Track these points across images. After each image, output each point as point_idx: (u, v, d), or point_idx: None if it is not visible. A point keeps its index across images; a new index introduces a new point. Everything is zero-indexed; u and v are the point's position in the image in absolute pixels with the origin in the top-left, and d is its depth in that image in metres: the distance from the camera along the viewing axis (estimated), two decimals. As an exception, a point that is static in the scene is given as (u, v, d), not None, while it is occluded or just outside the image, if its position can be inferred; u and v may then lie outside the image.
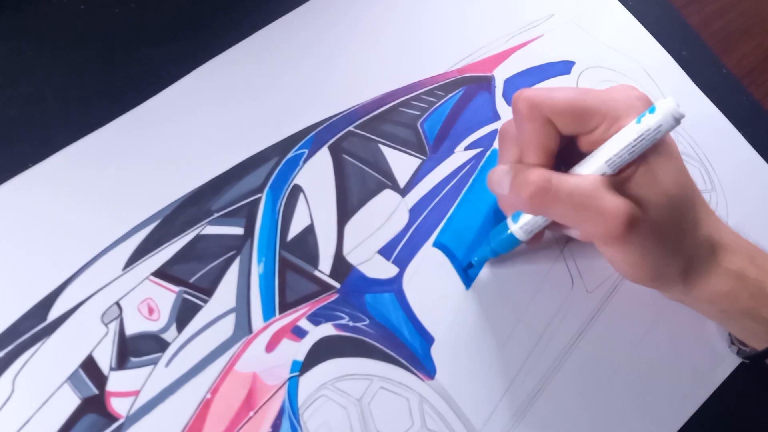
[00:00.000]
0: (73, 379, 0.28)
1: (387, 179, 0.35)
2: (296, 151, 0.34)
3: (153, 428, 0.28)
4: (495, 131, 0.37)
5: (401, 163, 0.35)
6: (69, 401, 0.28)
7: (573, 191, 0.27)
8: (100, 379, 0.29)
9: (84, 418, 0.28)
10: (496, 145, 0.37)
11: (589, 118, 0.28)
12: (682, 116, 0.26)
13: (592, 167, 0.28)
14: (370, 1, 0.39)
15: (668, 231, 0.28)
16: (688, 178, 0.30)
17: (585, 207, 0.27)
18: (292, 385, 0.30)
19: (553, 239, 0.35)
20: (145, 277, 0.31)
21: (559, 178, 0.27)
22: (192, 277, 0.31)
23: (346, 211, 0.34)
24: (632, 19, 0.43)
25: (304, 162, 0.34)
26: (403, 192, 0.35)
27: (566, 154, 0.30)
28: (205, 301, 0.31)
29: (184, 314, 0.30)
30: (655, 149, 0.28)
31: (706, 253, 0.30)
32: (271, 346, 0.30)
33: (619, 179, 0.28)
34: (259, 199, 0.33)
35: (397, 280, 0.33)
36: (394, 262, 0.33)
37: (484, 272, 0.34)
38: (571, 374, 0.33)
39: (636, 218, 0.27)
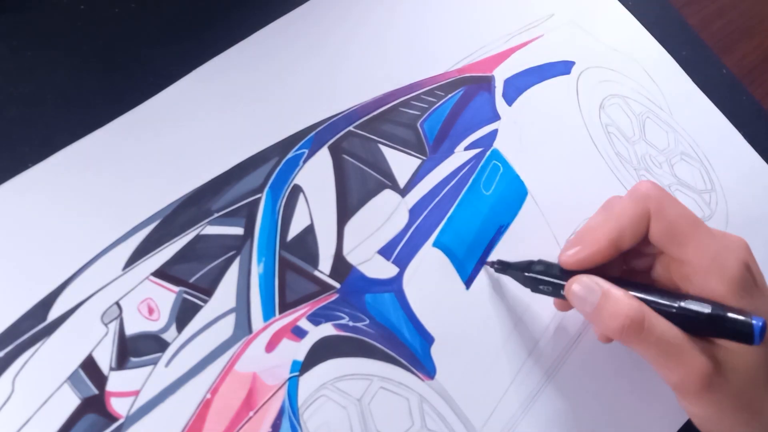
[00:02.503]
0: (73, 379, 0.28)
1: (387, 179, 0.35)
2: (296, 151, 0.34)
3: (153, 428, 0.28)
4: (495, 131, 0.37)
5: (401, 163, 0.35)
6: (69, 401, 0.28)
7: (662, 337, 0.27)
8: (100, 379, 0.29)
9: (84, 418, 0.28)
10: (496, 145, 0.37)
11: (682, 245, 0.28)
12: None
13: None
14: (370, 1, 0.39)
15: (748, 398, 0.27)
16: None
17: (669, 355, 0.27)
18: (292, 385, 0.30)
19: (553, 238, 0.35)
20: (145, 277, 0.31)
21: (651, 319, 0.27)
22: (192, 277, 0.31)
23: (346, 211, 0.34)
24: (632, 19, 0.43)
25: (304, 162, 0.34)
26: (403, 192, 0.35)
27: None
28: (205, 301, 0.31)
29: (184, 314, 0.30)
30: None
31: None
32: (271, 346, 0.30)
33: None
34: (259, 199, 0.33)
35: (397, 280, 0.33)
36: (394, 262, 0.33)
37: (484, 272, 0.34)
38: (571, 374, 0.33)
39: (715, 380, 0.27)
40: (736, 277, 0.27)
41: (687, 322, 0.27)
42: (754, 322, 0.25)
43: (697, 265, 0.28)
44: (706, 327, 0.27)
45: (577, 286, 0.29)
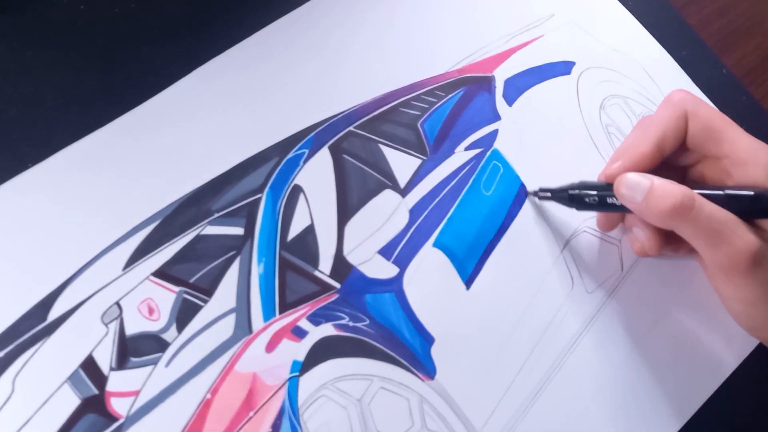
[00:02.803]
0: (73, 379, 0.28)
1: (387, 179, 0.35)
2: (296, 151, 0.34)
3: (153, 428, 0.28)
4: (495, 131, 0.37)
5: (401, 164, 0.35)
6: (69, 401, 0.28)
7: (712, 215, 0.28)
8: (100, 379, 0.29)
9: (84, 418, 0.28)
10: (496, 145, 0.37)
11: (718, 143, 0.31)
12: None
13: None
14: (371, 1, 0.39)
15: None
16: None
17: (719, 234, 0.28)
18: (292, 385, 0.30)
19: (553, 238, 0.35)
20: (145, 277, 0.31)
21: (700, 199, 0.29)
22: (192, 277, 0.31)
23: (346, 211, 0.34)
24: (632, 19, 0.43)
25: (305, 162, 0.34)
26: (404, 192, 0.35)
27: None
28: (205, 301, 0.31)
29: (184, 314, 0.30)
30: None
31: None
32: (271, 346, 0.30)
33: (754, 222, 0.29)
34: (259, 199, 0.33)
35: (398, 280, 0.33)
36: (394, 262, 0.33)
37: (484, 272, 0.34)
38: (571, 374, 0.33)
39: (762, 257, 0.28)
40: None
41: (732, 208, 0.29)
42: None
43: (735, 157, 0.30)
44: (752, 209, 0.29)
45: (626, 181, 0.30)
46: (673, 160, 0.33)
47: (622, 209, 0.31)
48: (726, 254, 0.28)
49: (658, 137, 0.31)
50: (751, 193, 0.29)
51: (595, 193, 0.32)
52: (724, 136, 0.31)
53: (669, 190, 0.29)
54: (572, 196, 0.33)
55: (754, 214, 0.29)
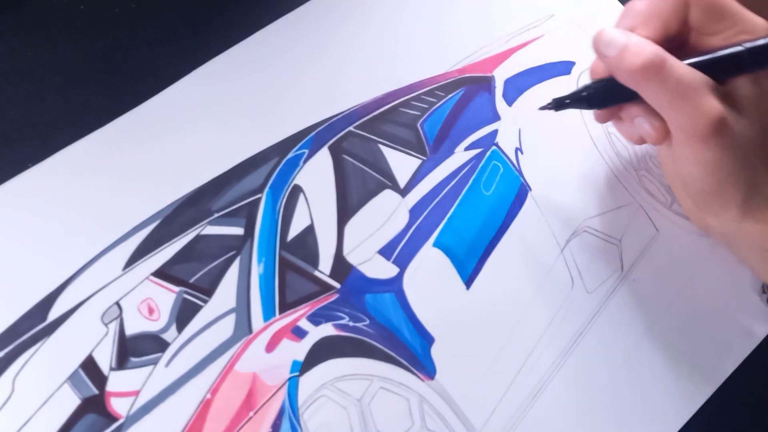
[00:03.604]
0: (73, 379, 0.28)
1: (387, 179, 0.35)
2: (296, 151, 0.34)
3: (153, 428, 0.28)
4: (495, 131, 0.37)
5: (401, 164, 0.35)
6: (69, 401, 0.28)
7: (681, 78, 0.28)
8: (100, 379, 0.29)
9: (84, 418, 0.28)
10: (496, 145, 0.37)
11: (722, 19, 0.30)
12: None
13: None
14: (371, 1, 0.39)
15: (748, 151, 0.29)
16: None
17: (685, 97, 0.28)
18: (292, 385, 0.30)
19: (553, 238, 0.35)
20: (145, 277, 0.31)
21: (672, 61, 0.28)
22: (192, 277, 0.31)
23: (346, 211, 0.34)
24: (632, 20, 0.43)
25: (304, 162, 0.34)
26: (404, 192, 0.35)
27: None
28: (205, 301, 0.31)
29: (184, 314, 0.30)
30: None
31: None
32: (271, 347, 0.30)
33: (725, 88, 0.29)
34: (259, 199, 0.33)
35: (398, 280, 0.33)
36: (394, 262, 0.33)
37: (484, 272, 0.34)
38: (571, 374, 0.33)
39: (726, 124, 0.28)
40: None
41: (753, 55, 0.29)
42: None
43: (736, 29, 0.30)
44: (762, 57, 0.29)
45: (604, 36, 0.30)
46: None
47: (633, 94, 0.30)
48: (688, 116, 0.28)
49: (660, 32, 0.30)
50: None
51: (596, 85, 0.32)
52: (726, 14, 0.30)
53: (642, 48, 0.29)
54: (590, 97, 0.32)
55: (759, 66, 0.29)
